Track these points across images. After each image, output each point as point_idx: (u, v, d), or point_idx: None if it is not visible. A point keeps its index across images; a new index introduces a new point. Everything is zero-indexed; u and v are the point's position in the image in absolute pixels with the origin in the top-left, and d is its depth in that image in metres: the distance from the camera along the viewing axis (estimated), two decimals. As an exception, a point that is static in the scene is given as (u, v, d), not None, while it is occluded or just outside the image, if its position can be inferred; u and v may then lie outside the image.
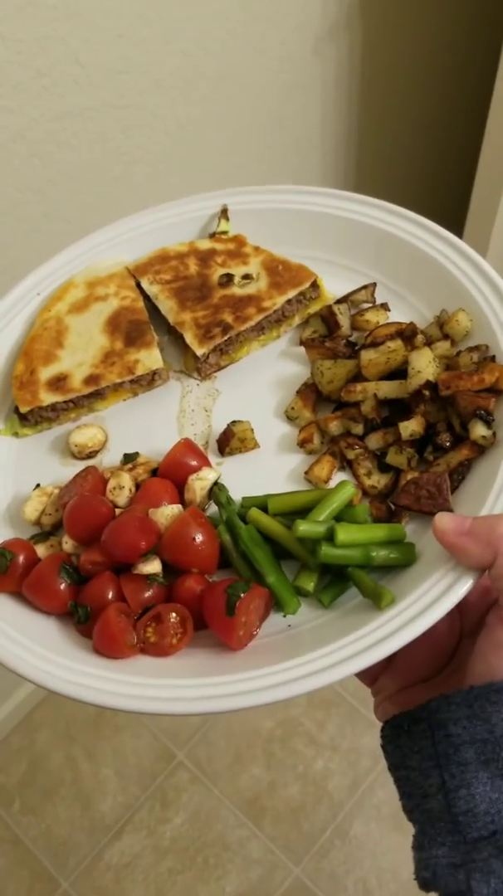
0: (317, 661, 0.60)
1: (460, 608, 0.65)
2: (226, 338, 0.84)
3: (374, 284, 0.88)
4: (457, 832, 0.57)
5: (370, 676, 0.72)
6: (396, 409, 0.77)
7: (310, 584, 0.68)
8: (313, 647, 0.62)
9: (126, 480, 0.75)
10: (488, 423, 0.69)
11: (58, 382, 0.84)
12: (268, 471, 0.78)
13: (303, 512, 0.71)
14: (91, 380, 0.84)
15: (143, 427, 0.85)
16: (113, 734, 2.15)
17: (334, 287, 0.90)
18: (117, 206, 1.37)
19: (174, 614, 0.66)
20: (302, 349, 0.86)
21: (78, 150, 1.25)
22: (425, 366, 0.73)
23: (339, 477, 0.75)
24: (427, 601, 0.61)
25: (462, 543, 0.60)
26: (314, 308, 0.88)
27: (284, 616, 0.67)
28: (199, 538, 0.69)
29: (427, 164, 2.37)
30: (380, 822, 1.99)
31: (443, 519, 0.62)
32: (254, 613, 0.65)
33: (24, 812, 2.11)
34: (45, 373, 0.85)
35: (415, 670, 0.68)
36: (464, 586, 0.61)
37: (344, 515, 0.69)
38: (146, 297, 0.91)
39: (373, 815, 2.00)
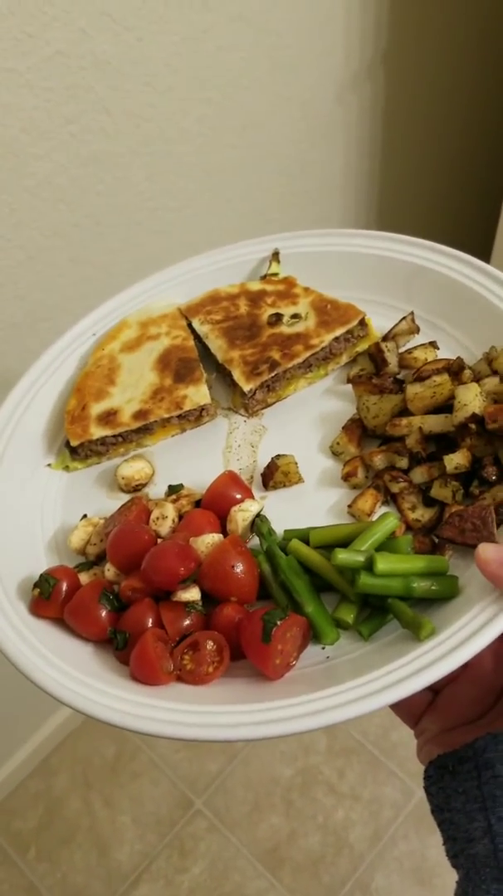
0: (355, 690, 0.59)
1: None
2: (273, 374, 0.85)
3: (412, 312, 0.88)
4: None
5: (413, 716, 0.69)
6: (442, 445, 0.76)
7: (349, 616, 0.66)
8: (349, 677, 0.60)
9: (169, 511, 0.76)
10: (535, 456, 0.68)
11: (108, 417, 0.86)
12: (311, 505, 0.78)
13: (345, 544, 0.70)
14: (140, 415, 0.86)
15: (189, 461, 0.86)
16: (130, 781, 2.11)
17: (382, 324, 0.90)
18: (142, 250, 1.40)
19: (211, 642, 0.66)
20: (348, 387, 0.86)
21: (104, 195, 1.29)
22: (472, 399, 0.72)
23: (383, 511, 0.74)
24: (468, 632, 0.59)
25: None
26: (362, 346, 0.89)
27: (323, 648, 0.66)
28: (238, 567, 0.68)
29: (450, 204, 2.39)
30: (402, 876, 1.90)
31: (486, 549, 0.60)
32: (292, 642, 0.64)
33: (39, 859, 2.08)
34: (97, 408, 0.87)
35: (459, 710, 0.66)
36: (507, 619, 0.59)
37: (386, 547, 0.68)
38: (197, 337, 0.93)
39: (395, 867, 1.91)
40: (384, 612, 0.66)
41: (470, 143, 2.27)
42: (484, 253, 1.89)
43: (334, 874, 1.95)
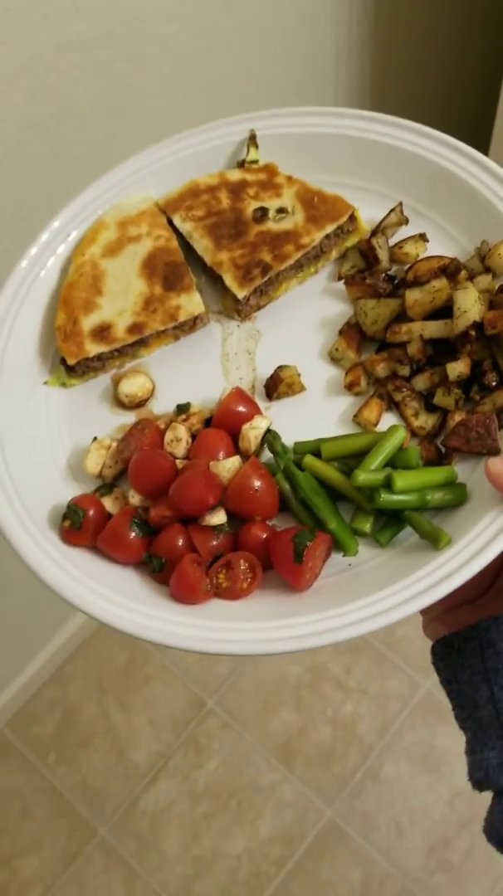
0: (384, 601, 0.66)
1: None
2: (265, 278, 0.85)
3: (400, 203, 0.87)
4: None
5: None
6: (440, 347, 0.79)
7: (366, 526, 0.72)
8: (377, 588, 0.67)
9: (182, 433, 0.78)
10: (534, 363, 0.71)
11: (102, 332, 0.85)
12: (316, 413, 0.81)
13: (356, 456, 0.75)
14: (135, 328, 0.85)
15: (188, 372, 0.87)
16: (143, 684, 2.23)
17: (368, 214, 0.89)
18: (126, 141, 1.31)
19: (244, 562, 0.71)
20: (340, 285, 0.87)
21: (83, 83, 1.18)
22: (471, 306, 0.74)
23: (388, 418, 0.78)
24: (483, 541, 0.66)
25: None
26: (351, 241, 0.88)
27: (344, 556, 0.72)
28: (260, 489, 0.72)
29: (450, 82, 2.26)
30: (410, 764, 2.07)
31: (496, 464, 0.65)
32: (319, 559, 0.70)
33: (59, 763, 2.18)
34: (88, 322, 0.86)
35: (461, 592, 0.74)
36: (518, 527, 0.65)
37: (396, 460, 0.72)
38: (179, 235, 0.91)
39: (403, 756, 2.08)
40: (398, 520, 0.71)
41: (470, 24, 2.09)
42: (483, 142, 1.82)
43: (345, 765, 2.10)
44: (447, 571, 0.66)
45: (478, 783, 0.67)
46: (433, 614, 0.77)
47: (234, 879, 2.01)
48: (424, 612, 0.78)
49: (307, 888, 1.99)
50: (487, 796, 0.69)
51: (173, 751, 2.17)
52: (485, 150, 1.87)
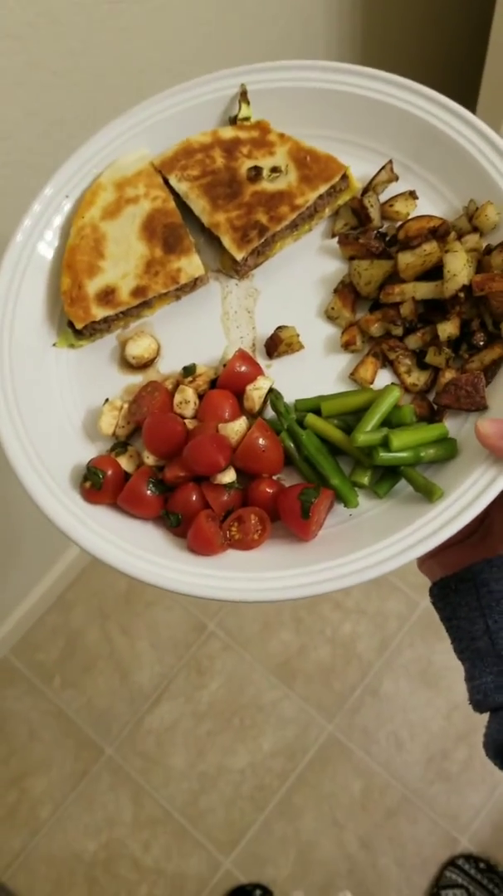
0: (383, 551, 0.73)
1: None
2: (262, 240, 0.88)
3: (390, 161, 0.90)
4: (500, 662, 0.73)
5: None
6: (432, 306, 0.83)
7: (365, 479, 0.78)
8: (377, 538, 0.74)
9: (190, 395, 0.83)
10: (519, 325, 0.77)
11: (106, 297, 0.89)
12: (315, 371, 0.86)
13: (355, 413, 0.80)
14: (138, 291, 0.89)
15: (190, 331, 0.91)
16: (145, 609, 2.30)
17: (359, 169, 0.92)
18: (106, 50, 1.27)
19: (254, 516, 0.78)
20: (334, 241, 0.90)
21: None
22: (460, 269, 0.79)
23: (382, 375, 0.84)
24: (473, 494, 0.73)
25: None
26: (343, 199, 0.91)
27: (346, 507, 0.79)
28: (266, 449, 0.78)
29: (438, 36, 2.19)
30: (409, 680, 2.15)
31: (484, 425, 0.71)
32: (324, 512, 0.77)
33: (64, 687, 2.26)
34: (92, 286, 0.89)
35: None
36: (504, 480, 0.72)
37: (392, 418, 0.78)
38: (176, 195, 0.93)
39: (401, 673, 2.16)
40: (395, 473, 0.78)
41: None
42: (473, 83, 1.78)
43: (344, 681, 2.18)
44: (440, 523, 0.73)
45: (478, 705, 0.76)
46: (427, 555, 0.85)
47: (238, 793, 2.13)
48: None
49: (310, 799, 2.11)
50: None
51: (176, 672, 2.26)
52: (472, 106, 1.86)
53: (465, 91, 1.97)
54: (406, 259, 0.81)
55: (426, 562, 0.85)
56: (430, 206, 0.88)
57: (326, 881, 2.04)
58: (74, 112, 1.29)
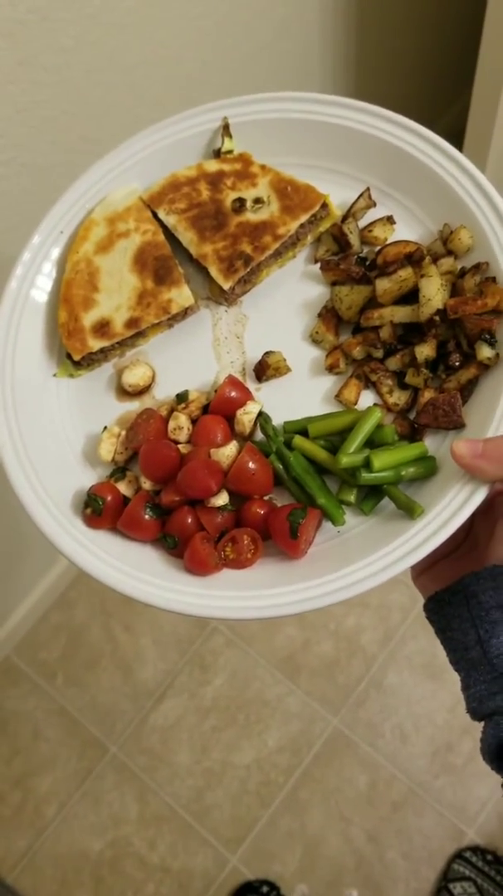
0: (369, 566, 0.77)
1: None
2: (248, 269, 0.92)
3: (368, 188, 0.93)
4: (493, 670, 0.76)
5: None
6: (411, 327, 0.87)
7: (351, 497, 0.83)
8: (363, 554, 0.78)
9: (183, 421, 0.88)
10: (492, 345, 0.80)
11: (102, 328, 0.93)
12: (302, 393, 0.90)
13: (340, 433, 0.85)
14: (132, 323, 0.93)
15: (184, 358, 0.95)
16: (146, 607, 2.32)
17: (339, 195, 0.95)
18: (98, 48, 1.30)
19: (246, 537, 0.82)
20: (317, 267, 0.94)
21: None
22: (434, 293, 0.82)
23: (366, 395, 0.88)
24: (452, 509, 0.77)
25: (478, 465, 0.74)
26: (324, 226, 0.94)
27: (333, 525, 0.83)
28: (256, 471, 0.83)
29: (428, 66, 2.22)
30: (413, 672, 2.17)
31: (459, 445, 0.75)
32: (312, 530, 0.81)
33: (67, 685, 2.26)
34: (88, 319, 0.94)
35: (439, 548, 0.85)
36: (481, 496, 0.76)
37: (375, 438, 0.82)
38: (165, 227, 0.97)
39: (405, 665, 2.18)
40: (379, 491, 0.82)
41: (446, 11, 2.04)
42: (460, 117, 1.81)
43: (349, 675, 2.19)
44: (422, 539, 0.76)
45: (474, 712, 0.79)
46: (419, 568, 0.88)
47: (244, 789, 2.15)
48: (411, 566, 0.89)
49: (316, 794, 2.12)
50: None
51: (179, 668, 2.28)
52: (459, 139, 1.91)
53: (453, 123, 2.01)
54: (383, 285, 0.85)
55: (419, 577, 0.88)
56: (408, 230, 0.92)
57: (334, 876, 2.07)
58: (66, 109, 1.33)
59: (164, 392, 0.94)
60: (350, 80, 1.97)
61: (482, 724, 0.78)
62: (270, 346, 0.92)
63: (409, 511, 0.78)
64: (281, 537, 0.80)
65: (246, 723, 2.22)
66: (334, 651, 2.25)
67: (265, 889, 2.05)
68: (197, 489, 0.82)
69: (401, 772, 2.13)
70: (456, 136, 1.96)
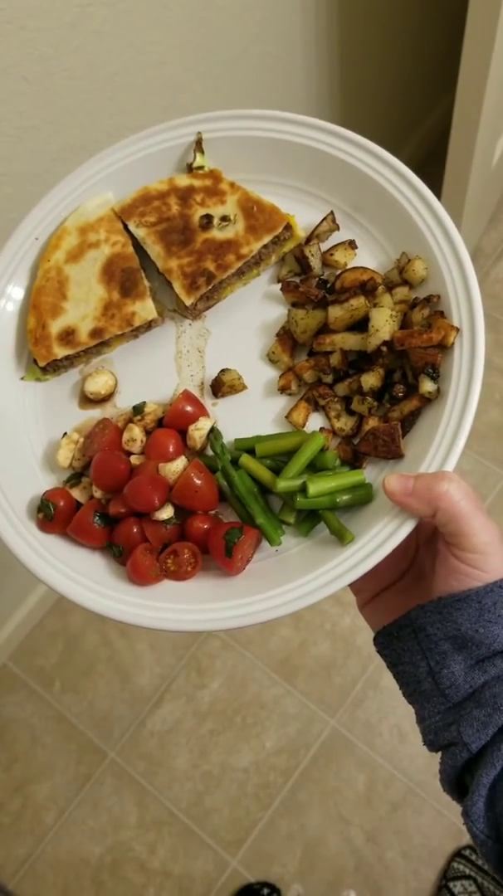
0: (302, 587, 0.80)
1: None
2: (210, 287, 0.94)
3: (331, 212, 0.95)
4: (446, 701, 0.78)
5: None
6: (363, 353, 0.89)
7: (291, 518, 0.85)
8: (297, 575, 0.81)
9: (137, 433, 0.91)
10: (434, 379, 0.82)
11: (67, 336, 0.96)
12: (255, 411, 0.92)
13: (286, 453, 0.87)
14: (96, 333, 0.96)
15: (146, 368, 0.97)
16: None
17: (306, 216, 0.97)
18: (79, 55, 1.31)
19: (187, 550, 0.85)
20: (278, 286, 0.96)
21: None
22: (383, 324, 0.84)
23: (316, 417, 0.90)
24: (380, 539, 0.79)
25: (408, 502, 0.76)
26: (288, 247, 0.96)
27: (270, 545, 0.86)
28: (201, 487, 0.86)
29: (414, 64, 2.22)
30: None
31: (391, 481, 0.77)
32: (249, 549, 0.84)
33: (64, 691, 2.27)
34: (55, 326, 0.97)
35: (383, 574, 0.88)
36: (408, 528, 0.78)
37: (316, 462, 0.85)
38: (135, 240, 0.99)
39: None
40: (317, 515, 0.85)
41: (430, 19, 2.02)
42: (444, 117, 1.81)
43: (345, 676, 2.19)
44: (351, 564, 0.79)
45: (431, 744, 0.81)
46: (366, 596, 0.91)
47: (243, 792, 2.16)
48: (355, 590, 0.91)
49: (314, 795, 2.13)
50: None
51: (176, 673, 2.29)
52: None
53: (439, 123, 2.00)
54: (335, 312, 0.87)
55: (366, 606, 0.91)
56: (369, 255, 0.93)
57: (334, 877, 2.09)
58: (47, 118, 1.35)
59: (125, 400, 0.97)
60: (334, 80, 1.95)
61: (439, 754, 0.80)
62: (230, 362, 0.94)
63: (340, 537, 0.81)
64: (218, 555, 0.83)
65: (243, 725, 2.23)
66: (331, 652, 2.26)
67: (266, 891, 2.07)
68: (141, 503, 0.85)
69: (400, 771, 2.15)
70: (441, 136, 1.96)
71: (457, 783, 0.79)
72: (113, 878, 2.14)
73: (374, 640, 0.87)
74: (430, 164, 2.64)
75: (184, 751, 2.22)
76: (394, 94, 2.32)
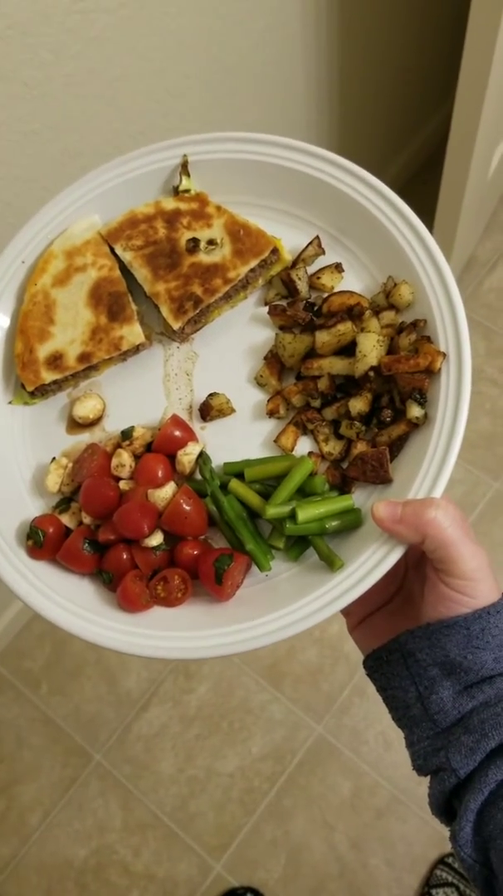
0: (289, 615, 0.80)
1: None
2: (197, 311, 0.94)
3: (317, 237, 0.95)
4: (434, 726, 0.79)
5: None
6: (350, 377, 0.89)
7: (280, 543, 0.85)
8: (286, 602, 0.81)
9: (126, 458, 0.90)
10: (422, 405, 0.82)
11: (55, 361, 0.96)
12: (244, 434, 0.92)
13: (275, 478, 0.87)
14: (83, 357, 0.96)
15: (134, 392, 0.97)
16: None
17: (293, 239, 0.97)
18: (79, 62, 1.31)
19: (177, 577, 0.85)
20: (266, 309, 0.96)
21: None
22: (370, 349, 0.84)
23: (305, 441, 0.90)
24: (370, 565, 0.79)
25: (396, 529, 0.76)
26: (275, 270, 0.96)
27: (260, 571, 0.86)
28: (190, 513, 0.86)
29: (412, 73, 2.23)
30: None
31: (379, 508, 0.77)
32: (239, 575, 0.84)
33: (51, 693, 2.27)
34: (43, 351, 0.97)
35: (372, 600, 0.88)
36: (397, 555, 0.78)
37: (305, 487, 0.85)
38: (122, 262, 0.99)
39: None
40: (306, 540, 0.85)
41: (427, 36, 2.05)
42: (443, 125, 1.83)
43: (332, 683, 2.20)
44: (341, 591, 0.79)
45: (419, 769, 0.81)
46: (354, 621, 0.91)
47: (228, 797, 2.16)
48: (344, 612, 0.92)
49: (299, 801, 2.14)
50: None
51: (163, 677, 2.30)
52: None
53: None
54: (322, 338, 0.87)
55: (355, 629, 0.91)
56: (356, 279, 0.93)
57: (317, 883, 2.09)
58: (46, 123, 1.35)
59: (114, 424, 0.97)
60: (334, 87, 1.96)
61: (428, 778, 0.81)
62: (218, 385, 0.95)
63: (330, 563, 0.81)
64: (208, 581, 0.83)
65: (230, 730, 2.23)
66: (318, 659, 2.27)
67: None
68: (130, 530, 0.85)
69: (385, 779, 2.15)
70: (439, 142, 1.97)
71: (446, 807, 0.80)
72: (97, 880, 2.14)
73: (364, 663, 0.87)
74: (428, 170, 2.66)
75: (170, 755, 2.22)
76: (394, 99, 2.34)
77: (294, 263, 0.95)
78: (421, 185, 2.69)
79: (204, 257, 0.96)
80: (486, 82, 1.66)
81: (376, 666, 0.84)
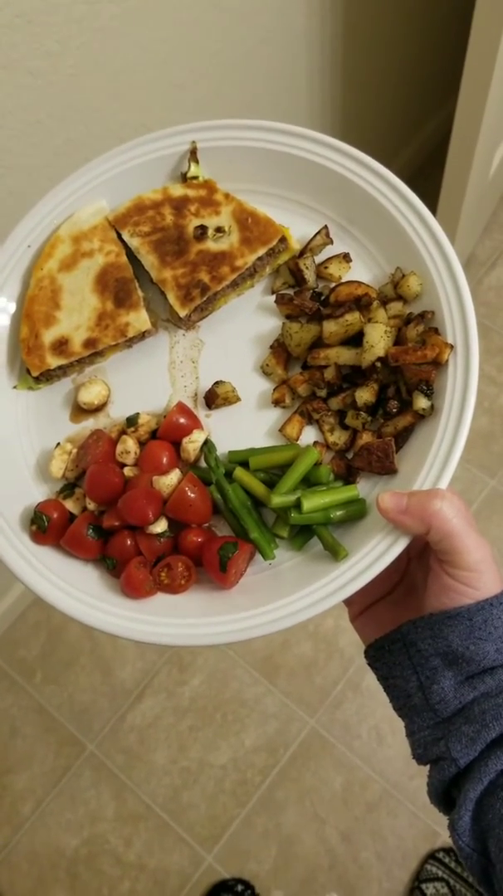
0: (294, 603, 0.80)
1: None
2: (204, 298, 0.94)
3: (326, 226, 0.95)
4: (435, 716, 0.79)
5: None
6: (356, 367, 0.89)
7: (284, 532, 0.85)
8: (290, 591, 0.81)
9: (130, 445, 0.90)
10: (428, 396, 0.82)
11: (60, 346, 0.96)
12: (249, 423, 0.92)
13: (280, 467, 0.87)
14: (89, 343, 0.95)
15: (140, 378, 0.97)
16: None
17: (301, 228, 0.97)
18: (83, 53, 1.30)
19: (181, 564, 0.86)
20: (272, 297, 0.96)
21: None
22: (377, 340, 0.84)
23: (310, 431, 0.90)
24: (374, 555, 0.79)
25: (401, 520, 0.77)
26: (282, 259, 0.96)
27: (264, 559, 0.86)
28: (195, 501, 0.86)
29: (416, 68, 2.22)
30: None
31: (384, 499, 0.77)
32: (243, 563, 0.84)
33: (45, 682, 2.27)
34: (48, 336, 0.96)
35: (374, 590, 0.88)
36: (401, 545, 0.79)
37: (310, 476, 0.85)
38: (129, 249, 0.99)
39: None
40: (310, 530, 0.85)
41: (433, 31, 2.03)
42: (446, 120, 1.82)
43: (326, 676, 2.20)
44: (345, 580, 0.79)
45: (419, 758, 0.82)
46: (356, 611, 0.91)
47: (220, 788, 2.17)
48: (347, 602, 0.92)
49: (291, 794, 2.15)
50: None
51: (158, 668, 2.30)
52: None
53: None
54: (330, 328, 0.87)
55: (357, 618, 0.91)
56: (364, 268, 0.93)
57: (308, 875, 2.10)
58: (51, 112, 1.34)
59: (119, 410, 0.97)
60: (337, 82, 1.95)
61: (428, 767, 0.81)
62: (224, 373, 0.94)
63: (334, 553, 0.81)
64: (212, 569, 0.83)
65: (223, 722, 2.23)
66: (312, 652, 2.27)
67: (240, 888, 2.08)
68: (135, 517, 0.85)
69: (377, 773, 2.16)
70: (442, 139, 1.97)
71: (445, 797, 0.80)
72: (88, 870, 2.15)
73: (365, 652, 0.87)
74: (430, 166, 2.64)
75: (163, 746, 2.23)
76: (397, 95, 2.33)
77: (302, 252, 0.94)
78: (423, 181, 2.68)
79: (211, 245, 0.96)
80: (489, 83, 1.65)
81: (378, 655, 0.84)
